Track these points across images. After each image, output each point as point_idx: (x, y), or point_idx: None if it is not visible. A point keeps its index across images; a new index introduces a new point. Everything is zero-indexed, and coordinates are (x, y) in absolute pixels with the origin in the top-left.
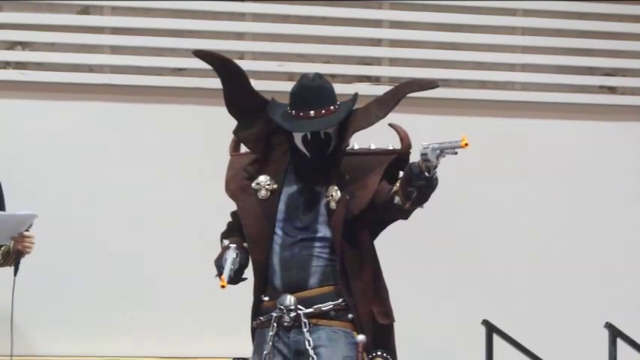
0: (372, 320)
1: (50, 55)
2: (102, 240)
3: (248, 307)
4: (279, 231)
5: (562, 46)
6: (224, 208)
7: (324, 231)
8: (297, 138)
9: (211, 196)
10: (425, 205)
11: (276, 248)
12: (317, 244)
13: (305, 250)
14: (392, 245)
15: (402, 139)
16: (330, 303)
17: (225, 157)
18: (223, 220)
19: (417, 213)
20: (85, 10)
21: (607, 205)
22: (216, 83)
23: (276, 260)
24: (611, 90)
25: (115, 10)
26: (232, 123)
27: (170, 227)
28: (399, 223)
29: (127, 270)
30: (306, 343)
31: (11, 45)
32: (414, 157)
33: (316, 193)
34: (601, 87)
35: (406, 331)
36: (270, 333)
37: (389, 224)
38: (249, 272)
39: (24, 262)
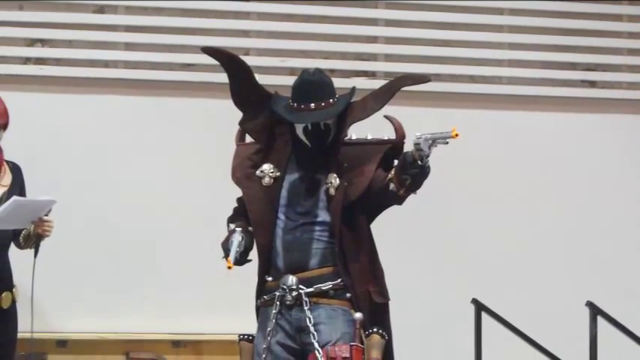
0: (368, 299)
1: (68, 51)
2: (116, 226)
3: (253, 287)
4: (281, 216)
5: (546, 43)
6: (231, 195)
7: (323, 216)
8: (299, 129)
9: (218, 184)
10: (418, 191)
11: (279, 232)
12: (317, 227)
13: (306, 234)
14: (385, 232)
15: (396, 130)
16: (330, 283)
17: (232, 147)
18: (229, 207)
19: (409, 201)
20: (101, 9)
21: (587, 191)
22: (223, 78)
23: (279, 243)
24: (592, 84)
25: (129, 9)
26: (238, 115)
27: (180, 214)
28: (392, 211)
29: (139, 253)
30: (307, 320)
31: (31, 42)
32: (408, 147)
33: (316, 180)
34: (582, 81)
35: (400, 311)
36: (274, 311)
37: (384, 209)
38: (253, 254)
39: (44, 245)
